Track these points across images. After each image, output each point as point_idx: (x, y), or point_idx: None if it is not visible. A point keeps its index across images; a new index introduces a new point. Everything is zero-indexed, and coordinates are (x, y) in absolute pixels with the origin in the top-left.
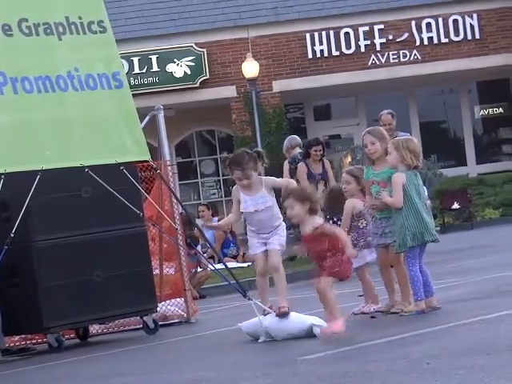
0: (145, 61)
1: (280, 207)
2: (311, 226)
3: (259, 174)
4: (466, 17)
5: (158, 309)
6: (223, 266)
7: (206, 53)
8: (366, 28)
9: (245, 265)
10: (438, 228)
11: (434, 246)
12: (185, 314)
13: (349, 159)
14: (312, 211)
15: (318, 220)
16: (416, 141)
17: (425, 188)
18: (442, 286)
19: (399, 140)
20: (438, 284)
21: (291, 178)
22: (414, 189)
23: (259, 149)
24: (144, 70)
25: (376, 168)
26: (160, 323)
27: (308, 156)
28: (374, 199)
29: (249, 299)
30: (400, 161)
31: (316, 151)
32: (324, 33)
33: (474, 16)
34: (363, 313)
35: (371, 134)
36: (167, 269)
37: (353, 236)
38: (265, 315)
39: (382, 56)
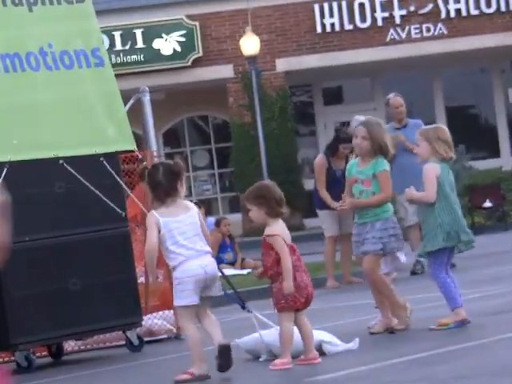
0: (128, 36)
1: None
2: (265, 232)
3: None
4: None
5: (144, 322)
6: (219, 274)
7: (198, 26)
8: None
9: (244, 272)
10: None
11: None
12: (174, 329)
13: None
14: (272, 214)
15: (275, 227)
16: (446, 129)
17: None
18: (471, 297)
19: (428, 130)
20: (468, 294)
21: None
22: (447, 183)
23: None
24: (127, 47)
25: (360, 164)
26: (145, 339)
27: (336, 151)
28: (354, 200)
29: (248, 311)
30: (432, 153)
31: (345, 148)
32: (335, 3)
33: None
34: None
35: (367, 127)
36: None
37: None
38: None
39: (403, 30)
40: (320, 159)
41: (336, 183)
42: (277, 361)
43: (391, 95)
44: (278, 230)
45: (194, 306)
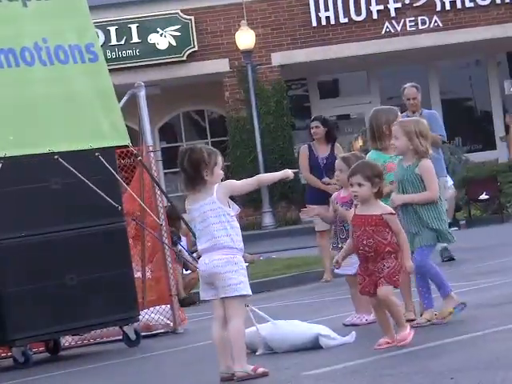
0: (123, 30)
1: None
2: (381, 210)
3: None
4: None
5: (141, 317)
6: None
7: (193, 21)
8: None
9: None
10: (464, 221)
11: (459, 243)
12: (171, 324)
13: (360, 143)
14: (379, 194)
15: (387, 207)
16: (425, 122)
17: (448, 177)
18: (468, 289)
19: (409, 123)
20: (464, 286)
21: None
22: None
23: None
24: (122, 42)
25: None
26: (143, 334)
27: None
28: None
29: (245, 305)
30: (412, 149)
31: (312, 128)
32: None
33: None
34: (354, 324)
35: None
36: (150, 271)
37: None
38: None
39: (398, 23)
40: (302, 150)
41: (319, 172)
42: (403, 334)
43: (407, 85)
44: (390, 208)
45: (215, 303)
